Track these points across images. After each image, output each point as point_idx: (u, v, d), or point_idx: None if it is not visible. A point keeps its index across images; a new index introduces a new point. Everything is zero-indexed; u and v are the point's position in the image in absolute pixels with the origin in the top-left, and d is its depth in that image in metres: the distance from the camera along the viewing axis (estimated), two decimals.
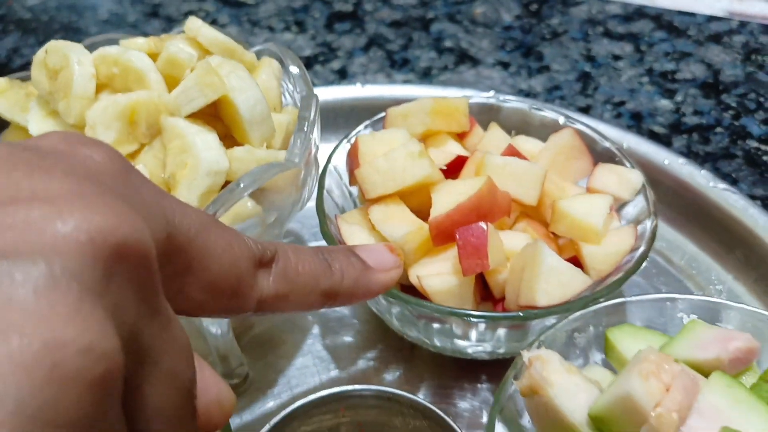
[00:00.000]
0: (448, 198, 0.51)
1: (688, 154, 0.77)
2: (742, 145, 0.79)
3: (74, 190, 0.20)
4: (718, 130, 0.81)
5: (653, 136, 0.79)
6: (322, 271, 0.34)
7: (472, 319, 0.46)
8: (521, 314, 0.46)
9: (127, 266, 0.20)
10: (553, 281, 0.46)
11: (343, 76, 0.90)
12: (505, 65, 0.92)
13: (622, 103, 0.85)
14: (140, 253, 0.20)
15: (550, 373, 0.41)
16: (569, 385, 0.42)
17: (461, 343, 0.51)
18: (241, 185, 0.43)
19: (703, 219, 0.62)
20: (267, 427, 0.45)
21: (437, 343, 0.52)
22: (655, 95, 0.86)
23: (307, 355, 0.57)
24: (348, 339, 0.58)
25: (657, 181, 0.62)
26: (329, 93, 0.74)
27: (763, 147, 0.78)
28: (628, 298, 0.47)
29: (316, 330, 0.59)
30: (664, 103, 0.85)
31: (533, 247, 0.47)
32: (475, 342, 0.51)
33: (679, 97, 0.86)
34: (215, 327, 0.51)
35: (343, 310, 0.60)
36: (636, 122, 0.82)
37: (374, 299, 0.51)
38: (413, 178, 0.51)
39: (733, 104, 0.84)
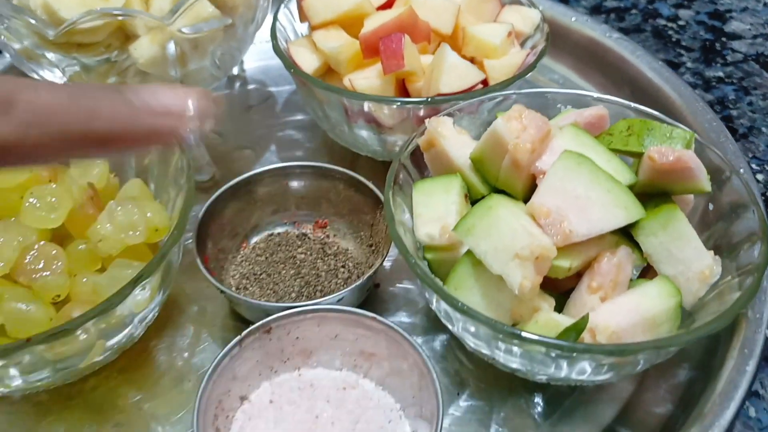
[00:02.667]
0: (376, 21, 0.62)
1: None
2: (652, 23, 0.90)
3: None
4: (633, 11, 0.93)
5: None
6: (86, 112, 0.30)
7: (386, 102, 0.58)
8: (429, 99, 0.58)
9: None
10: (453, 74, 0.58)
11: None
12: None
13: None
14: None
15: (443, 129, 0.53)
16: (458, 140, 0.54)
17: (389, 139, 0.63)
18: None
19: (597, 62, 0.74)
20: (224, 187, 0.57)
21: (369, 143, 0.64)
22: None
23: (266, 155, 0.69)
24: (298, 153, 0.70)
25: (561, 35, 0.74)
26: None
27: (670, 24, 0.90)
28: (515, 92, 0.58)
29: (273, 148, 0.71)
30: None
31: (440, 51, 0.59)
32: (397, 137, 0.62)
33: None
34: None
35: (297, 135, 0.72)
36: (562, 2, 0.93)
37: (315, 101, 0.62)
38: (348, 4, 0.63)
39: None
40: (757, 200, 0.49)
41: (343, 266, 0.57)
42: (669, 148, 0.47)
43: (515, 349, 0.45)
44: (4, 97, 0.28)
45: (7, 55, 0.60)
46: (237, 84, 0.79)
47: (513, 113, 0.50)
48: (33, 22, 0.52)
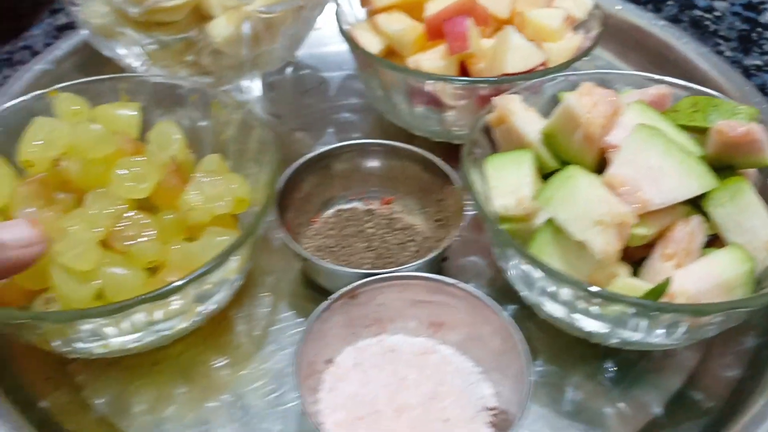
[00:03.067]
0: (438, 5, 0.64)
1: None
2: (689, 14, 0.93)
3: None
4: (669, 2, 0.95)
5: None
6: None
7: (456, 82, 0.60)
8: (493, 79, 0.60)
9: None
10: (518, 55, 0.60)
11: None
12: None
13: None
14: None
15: (513, 106, 0.55)
16: (527, 116, 0.56)
17: (449, 118, 0.65)
18: None
19: (643, 49, 0.76)
20: (302, 159, 0.59)
21: (429, 124, 0.66)
22: None
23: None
24: (356, 135, 0.72)
25: (607, 22, 0.76)
26: None
27: (707, 15, 0.92)
28: (576, 72, 0.60)
29: (331, 130, 0.73)
30: None
31: (504, 32, 0.61)
32: (457, 118, 0.64)
33: None
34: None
35: (353, 117, 0.74)
36: None
37: (377, 82, 0.64)
38: None
39: None
40: None
41: (411, 240, 0.59)
42: (738, 121, 0.49)
43: (594, 311, 0.47)
44: None
45: (82, 32, 0.62)
46: (289, 69, 0.80)
47: (584, 90, 0.53)
48: (121, 3, 0.54)
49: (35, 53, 0.83)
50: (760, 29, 0.90)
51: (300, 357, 0.46)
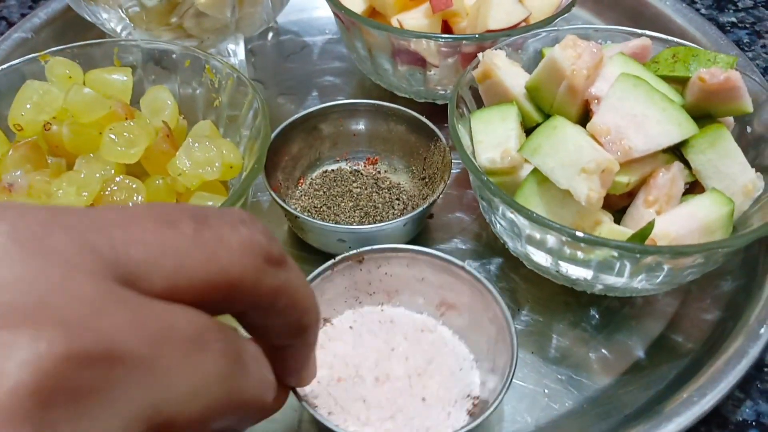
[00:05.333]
0: None
1: None
2: None
3: None
4: None
5: None
6: (306, 307, 0.30)
7: (440, 40, 0.60)
8: (477, 35, 0.60)
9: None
10: (500, 11, 0.61)
11: None
12: None
13: None
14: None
15: (498, 60, 0.56)
16: (512, 71, 0.56)
17: (432, 77, 0.65)
18: None
19: (618, 5, 0.77)
20: (288, 121, 0.59)
21: (413, 84, 0.67)
22: None
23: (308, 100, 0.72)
24: (339, 98, 0.72)
25: None
26: None
27: None
28: (558, 29, 0.61)
29: (314, 94, 0.73)
30: None
31: None
32: (440, 77, 0.65)
33: None
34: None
35: (336, 81, 0.74)
36: None
37: (361, 43, 0.65)
38: None
39: None
40: None
41: (397, 199, 0.59)
42: (718, 69, 0.51)
43: (580, 257, 0.48)
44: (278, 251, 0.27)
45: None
46: (270, 35, 0.80)
47: (568, 42, 0.53)
48: None
49: (11, 24, 0.82)
50: None
51: None
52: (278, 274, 0.26)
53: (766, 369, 0.52)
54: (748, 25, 0.85)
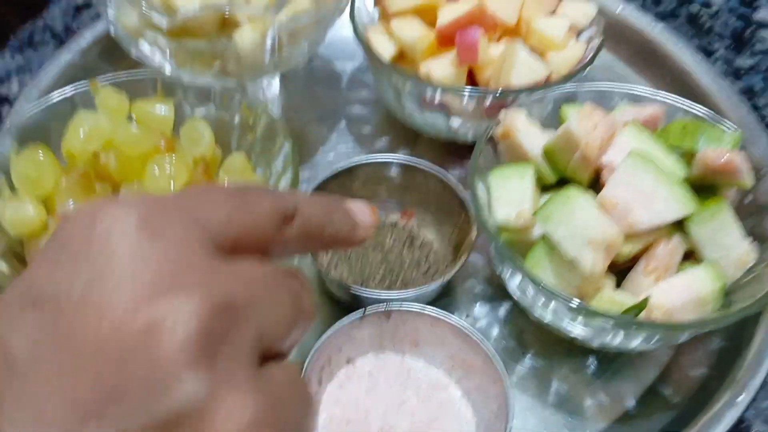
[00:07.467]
0: (450, 14, 0.68)
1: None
2: (687, 8, 0.96)
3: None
4: None
5: None
6: (327, 223, 0.37)
7: (465, 93, 0.64)
8: (499, 92, 0.64)
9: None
10: (524, 68, 0.64)
11: None
12: None
13: None
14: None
15: (518, 122, 0.60)
16: (530, 131, 0.60)
17: (455, 122, 0.69)
18: None
19: (643, 54, 0.80)
20: (329, 173, 0.64)
21: (436, 125, 0.70)
22: None
23: (341, 143, 0.75)
24: (367, 128, 0.76)
25: (609, 24, 0.79)
26: None
27: (704, 9, 0.96)
28: (578, 87, 0.65)
29: (343, 123, 0.77)
30: None
31: (511, 46, 0.65)
32: (463, 122, 0.69)
33: None
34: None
35: (363, 110, 0.78)
36: None
37: (388, 85, 0.68)
38: None
39: None
40: None
41: (426, 258, 0.63)
42: (722, 149, 0.54)
43: (579, 320, 0.53)
44: (292, 209, 0.34)
45: (110, 28, 0.65)
46: None
47: (584, 112, 0.57)
48: (152, 14, 0.57)
49: (55, 34, 0.85)
50: (753, 27, 0.93)
51: (317, 350, 0.52)
52: (290, 229, 0.33)
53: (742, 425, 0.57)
54: (763, 70, 0.87)
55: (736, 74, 0.87)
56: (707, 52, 0.89)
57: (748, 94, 0.84)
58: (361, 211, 0.41)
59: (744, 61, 0.89)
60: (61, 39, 0.85)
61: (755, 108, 0.83)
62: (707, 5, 0.96)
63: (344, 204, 0.40)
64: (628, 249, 0.54)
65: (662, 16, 0.94)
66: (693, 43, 0.90)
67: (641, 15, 0.83)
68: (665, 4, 0.96)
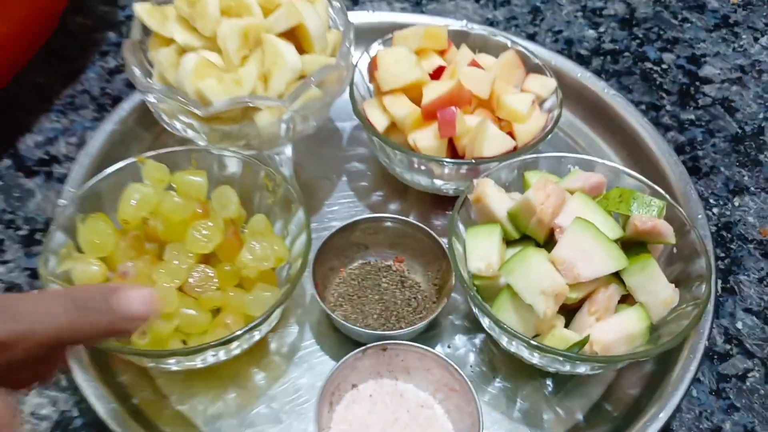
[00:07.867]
0: (432, 92, 0.81)
1: (602, 71, 1.08)
2: (641, 66, 1.10)
3: None
4: (626, 54, 1.12)
5: (578, 58, 1.10)
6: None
7: (445, 162, 0.78)
8: (473, 161, 0.78)
9: None
10: (494, 142, 0.78)
11: (355, 2, 1.18)
12: None
13: (560, 32, 1.15)
14: None
15: (488, 189, 0.74)
16: (498, 198, 0.74)
17: (438, 182, 0.83)
18: (312, 79, 0.73)
19: (598, 114, 0.95)
20: (335, 229, 0.77)
21: (422, 183, 0.84)
22: (584, 26, 1.16)
23: (343, 199, 0.89)
24: (364, 183, 0.90)
25: (570, 87, 0.93)
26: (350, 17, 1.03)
27: (655, 67, 1.10)
28: (538, 155, 0.79)
29: (344, 178, 0.91)
30: (590, 33, 1.15)
31: (483, 123, 0.79)
32: (444, 181, 0.83)
33: (602, 29, 1.16)
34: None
35: (360, 166, 0.92)
36: (568, 46, 1.12)
37: (382, 151, 0.82)
38: (412, 78, 0.82)
39: (640, 35, 1.15)
40: (707, 251, 0.70)
41: (414, 298, 0.77)
42: (648, 217, 0.68)
43: (536, 353, 0.67)
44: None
45: (150, 107, 0.79)
46: None
47: (540, 185, 0.71)
48: (189, 108, 0.71)
49: (93, 98, 0.99)
50: (698, 83, 1.08)
51: (330, 379, 0.65)
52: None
53: None
54: (703, 123, 1.01)
55: (680, 127, 1.01)
56: (656, 107, 1.04)
57: (690, 146, 0.99)
58: (136, 300, 0.41)
59: (687, 115, 1.03)
60: (98, 103, 0.98)
61: (695, 158, 0.97)
62: (658, 63, 1.11)
63: (113, 295, 0.40)
64: (575, 295, 0.68)
65: (619, 74, 1.08)
66: (645, 99, 1.04)
67: (597, 80, 0.97)
68: (622, 63, 1.11)
